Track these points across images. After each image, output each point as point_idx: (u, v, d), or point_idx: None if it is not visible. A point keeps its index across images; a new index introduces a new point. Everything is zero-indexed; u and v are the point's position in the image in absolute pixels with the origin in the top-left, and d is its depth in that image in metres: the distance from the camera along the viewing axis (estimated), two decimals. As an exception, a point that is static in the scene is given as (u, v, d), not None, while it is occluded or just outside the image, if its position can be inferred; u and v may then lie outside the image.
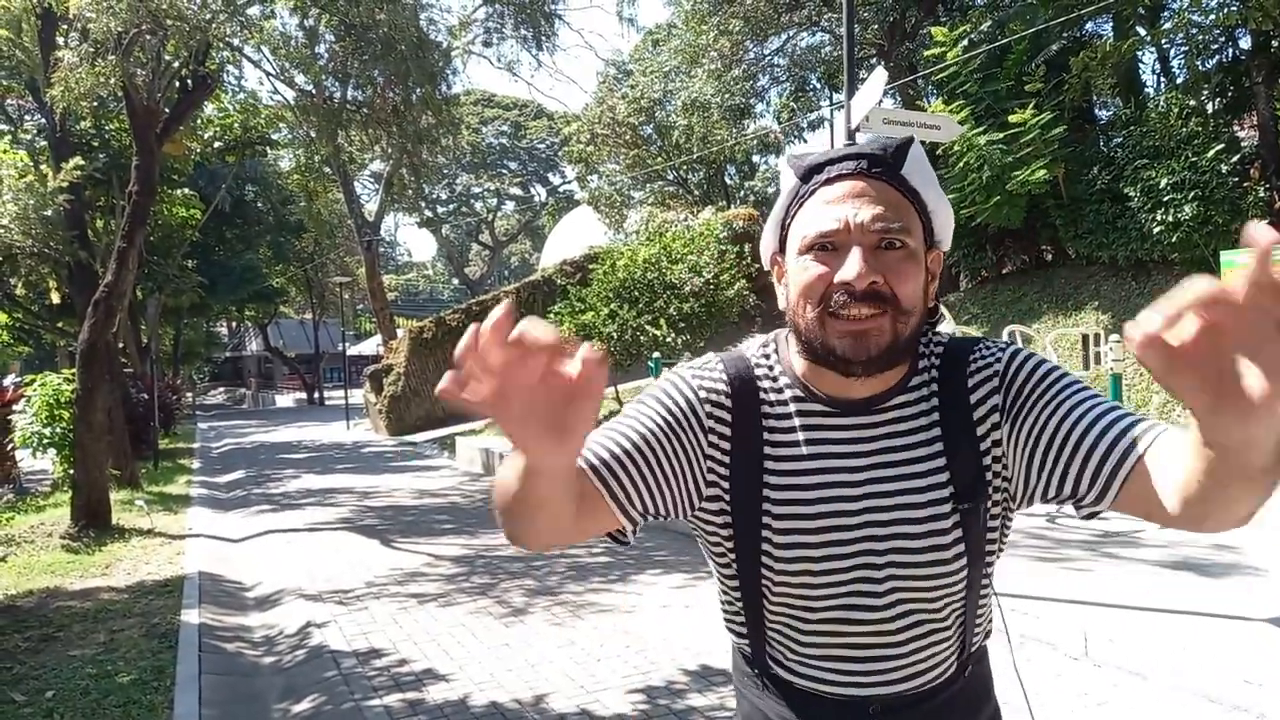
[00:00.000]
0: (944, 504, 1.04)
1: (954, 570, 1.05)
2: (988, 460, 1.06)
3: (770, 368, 1.11)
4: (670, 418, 1.06)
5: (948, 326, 7.40)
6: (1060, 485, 0.99)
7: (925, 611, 1.07)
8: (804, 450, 1.06)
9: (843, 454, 1.05)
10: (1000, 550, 1.13)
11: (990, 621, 1.17)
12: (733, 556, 1.10)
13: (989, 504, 1.06)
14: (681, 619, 4.77)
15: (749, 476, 1.06)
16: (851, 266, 0.97)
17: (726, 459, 1.07)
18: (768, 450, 1.06)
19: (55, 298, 14.88)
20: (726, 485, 1.07)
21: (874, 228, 0.98)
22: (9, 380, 7.05)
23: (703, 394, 1.08)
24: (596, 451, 1.02)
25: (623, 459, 1.02)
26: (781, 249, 1.08)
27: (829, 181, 1.02)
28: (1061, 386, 1.02)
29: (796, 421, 1.07)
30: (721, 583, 1.15)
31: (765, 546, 1.06)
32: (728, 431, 1.07)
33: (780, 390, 1.09)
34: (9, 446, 10.48)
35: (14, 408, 10.65)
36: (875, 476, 1.05)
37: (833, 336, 0.99)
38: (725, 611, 1.18)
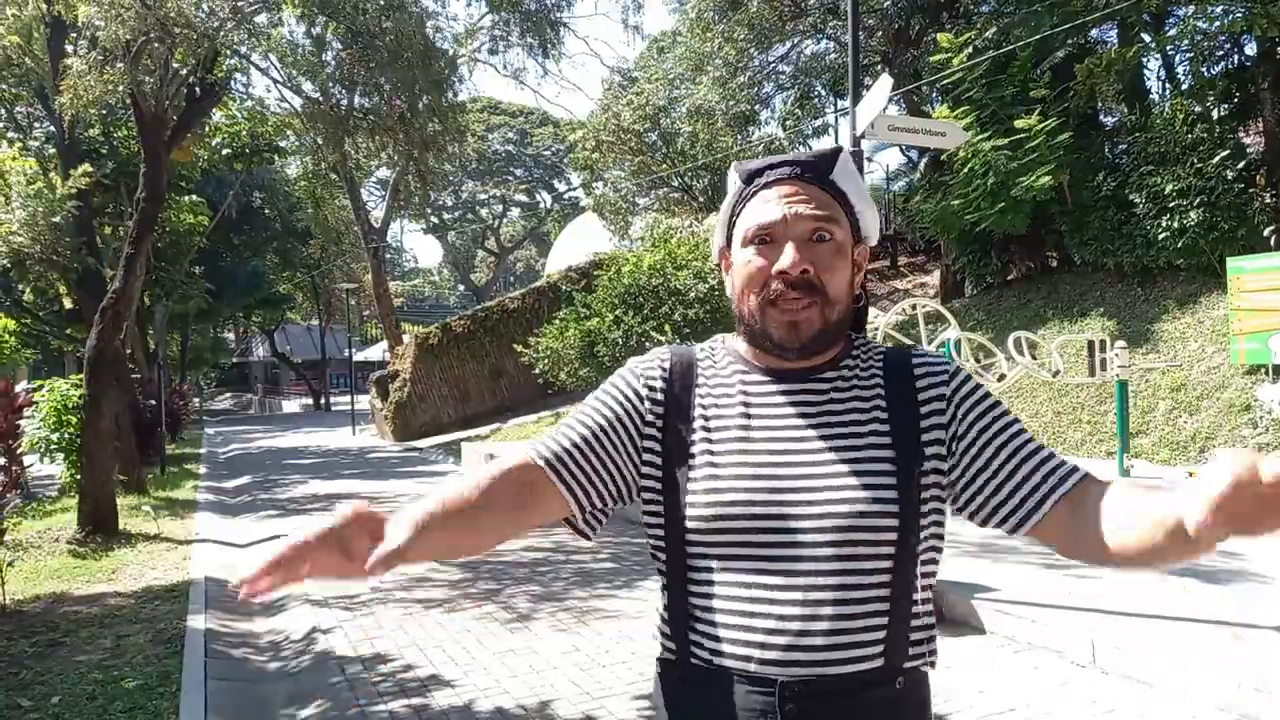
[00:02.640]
0: (884, 462, 1.11)
1: (886, 539, 1.09)
2: (927, 441, 1.15)
3: (713, 351, 1.26)
4: (616, 407, 1.21)
5: (953, 332, 7.39)
6: (986, 511, 1.14)
7: (849, 577, 1.08)
8: (738, 409, 1.17)
9: (781, 414, 1.16)
10: (936, 551, 1.15)
11: (932, 646, 1.15)
12: (661, 521, 1.17)
13: (924, 470, 1.13)
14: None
15: (680, 437, 1.18)
16: (786, 257, 1.12)
17: (660, 425, 1.19)
18: (699, 412, 1.18)
19: (68, 303, 14.97)
20: (659, 448, 1.18)
21: (806, 222, 1.14)
22: (19, 387, 7.07)
23: (644, 379, 1.23)
24: (550, 446, 1.18)
25: (573, 451, 1.18)
26: (728, 244, 1.23)
27: (768, 185, 1.18)
28: (998, 415, 1.16)
29: (736, 389, 1.19)
30: (656, 560, 1.21)
31: (685, 500, 1.13)
32: (661, 399, 1.20)
33: (721, 367, 1.23)
34: (17, 451, 10.51)
35: (23, 413, 10.69)
36: (811, 434, 1.14)
37: (770, 324, 1.15)
38: (660, 612, 1.21)
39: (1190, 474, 7.74)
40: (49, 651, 4.72)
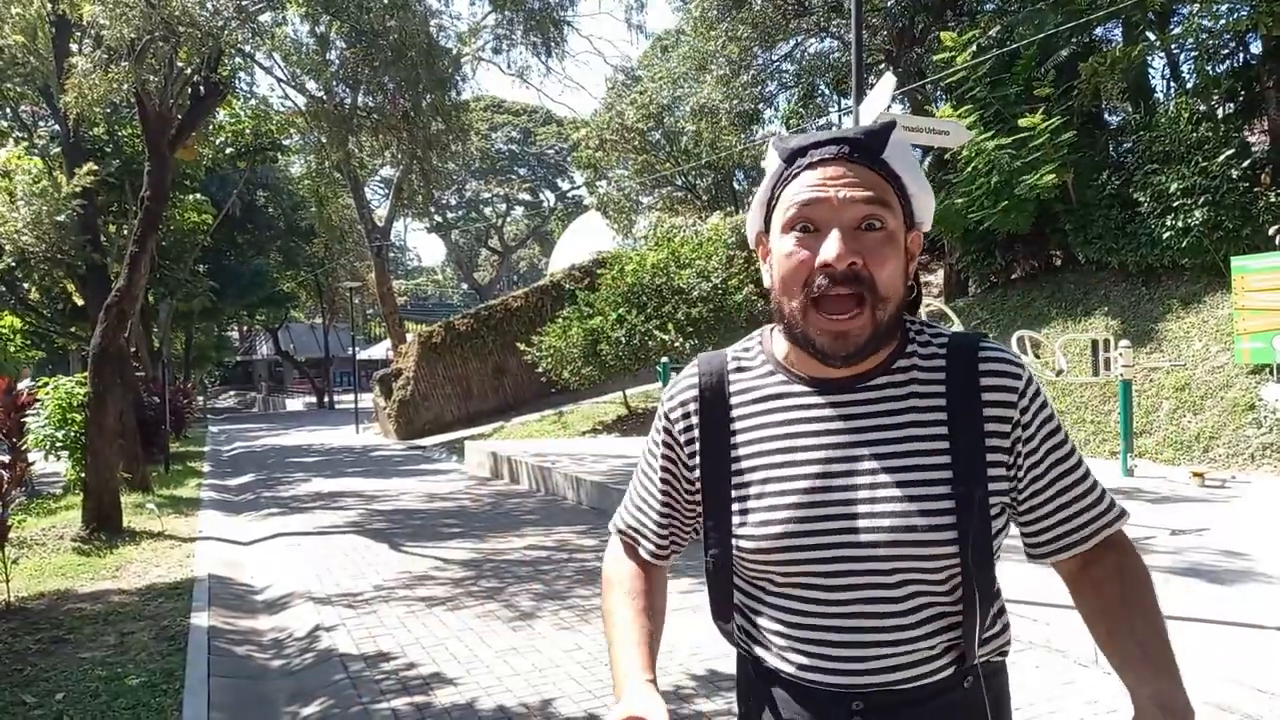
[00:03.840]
0: (942, 484, 1.04)
1: (947, 553, 1.03)
2: (992, 461, 1.06)
3: (750, 357, 1.17)
4: (664, 461, 1.20)
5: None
6: (1029, 535, 1.13)
7: (911, 599, 1.05)
8: (776, 430, 1.10)
9: (819, 431, 1.08)
10: (998, 554, 1.11)
11: (1007, 640, 1.14)
12: (716, 550, 1.14)
13: (987, 489, 1.06)
14: (689, 623, 4.76)
15: (716, 461, 1.13)
16: (831, 247, 1.00)
17: (698, 455, 1.15)
18: (737, 438, 1.12)
19: (79, 300, 15.01)
20: (698, 475, 1.15)
21: (854, 208, 1.02)
22: (23, 384, 7.10)
23: (675, 415, 1.18)
24: (648, 539, 1.24)
25: (661, 531, 1.23)
26: (766, 228, 1.12)
27: (812, 165, 1.05)
28: (1060, 443, 1.11)
29: (771, 404, 1.11)
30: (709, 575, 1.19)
31: (735, 524, 1.10)
32: (697, 433, 1.16)
33: (758, 377, 1.14)
34: (22, 449, 10.53)
35: (28, 411, 10.71)
36: (862, 453, 1.05)
37: (814, 331, 1.03)
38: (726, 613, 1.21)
39: (1194, 473, 7.73)
40: (53, 648, 4.74)
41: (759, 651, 1.14)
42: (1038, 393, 1.09)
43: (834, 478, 1.05)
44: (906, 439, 1.05)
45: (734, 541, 1.09)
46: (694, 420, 1.16)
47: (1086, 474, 1.11)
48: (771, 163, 1.11)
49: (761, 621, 1.12)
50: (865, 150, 1.05)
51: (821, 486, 1.05)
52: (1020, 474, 1.08)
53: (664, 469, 1.20)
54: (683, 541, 1.26)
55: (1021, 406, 1.07)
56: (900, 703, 1.06)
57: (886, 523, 1.03)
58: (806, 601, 1.07)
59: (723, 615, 1.18)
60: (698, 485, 1.16)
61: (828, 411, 1.08)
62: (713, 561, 1.14)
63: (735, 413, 1.13)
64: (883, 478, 1.04)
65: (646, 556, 1.25)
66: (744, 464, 1.10)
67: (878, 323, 1.02)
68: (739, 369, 1.16)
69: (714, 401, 1.15)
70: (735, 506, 1.10)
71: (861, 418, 1.07)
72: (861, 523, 1.03)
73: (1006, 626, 1.13)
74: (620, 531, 1.29)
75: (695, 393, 1.16)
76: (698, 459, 1.15)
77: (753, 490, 1.09)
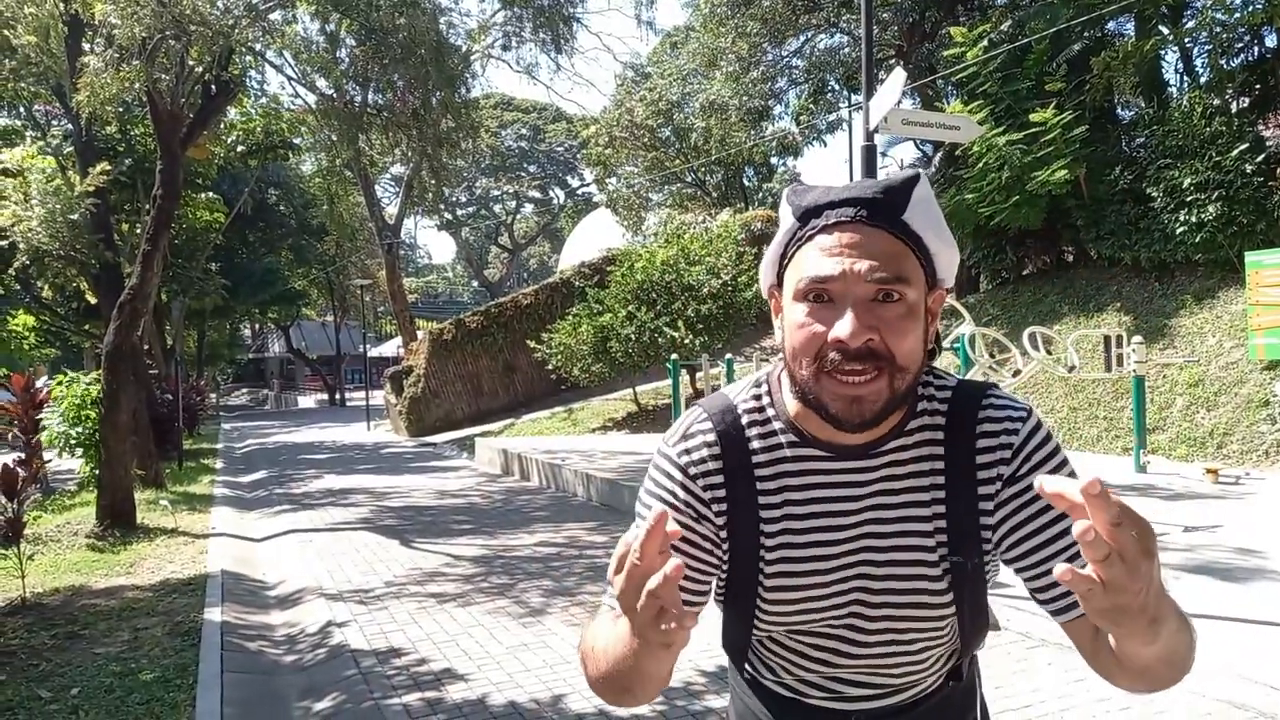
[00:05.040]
0: (935, 551, 1.05)
1: (944, 617, 1.08)
2: (983, 516, 1.04)
3: (761, 410, 1.09)
4: (687, 523, 1.05)
5: (967, 328, 7.35)
6: (1033, 584, 1.04)
7: (917, 644, 1.10)
8: (797, 496, 1.06)
9: (837, 498, 1.05)
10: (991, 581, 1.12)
11: (984, 636, 1.18)
12: (728, 594, 1.13)
13: (982, 558, 1.06)
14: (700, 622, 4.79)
15: (746, 530, 1.07)
16: (845, 325, 0.94)
17: (725, 517, 1.07)
18: (761, 500, 1.06)
19: (92, 298, 15.11)
20: (725, 538, 1.08)
21: (870, 281, 0.95)
22: (39, 382, 7.17)
23: (694, 471, 1.07)
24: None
25: (688, 606, 1.04)
26: (779, 283, 1.06)
27: (826, 229, 0.98)
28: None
29: (790, 467, 1.06)
30: (718, 605, 1.18)
31: (759, 589, 1.09)
32: (723, 494, 1.07)
33: (772, 435, 1.08)
34: (37, 446, 10.63)
35: (43, 408, 10.80)
36: (871, 519, 1.05)
37: (826, 397, 0.97)
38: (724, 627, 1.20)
39: (1208, 470, 7.68)
40: (68, 644, 4.78)
41: (758, 671, 1.19)
42: (1043, 440, 1.03)
43: (850, 542, 1.06)
44: (906, 504, 1.05)
45: (755, 622, 1.11)
46: (719, 480, 1.06)
47: None
48: (785, 219, 1.05)
49: (771, 663, 1.17)
50: (884, 211, 0.98)
51: (839, 553, 1.06)
52: (1027, 525, 1.02)
53: (686, 531, 1.06)
54: (691, 614, 1.10)
55: (1018, 460, 1.02)
56: (894, 712, 1.14)
57: (898, 586, 1.06)
58: (821, 650, 1.12)
59: (738, 655, 1.20)
60: (721, 545, 1.08)
61: (843, 478, 1.05)
62: (736, 617, 1.14)
63: (759, 472, 1.07)
64: (884, 544, 1.05)
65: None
66: (767, 528, 1.07)
67: (894, 390, 0.97)
68: (752, 424, 1.09)
69: (739, 462, 1.07)
70: (760, 591, 1.08)
71: (873, 483, 1.05)
72: (876, 585, 1.06)
73: (984, 628, 1.17)
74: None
75: (716, 451, 1.07)
76: (725, 517, 1.07)
77: (778, 555, 1.06)
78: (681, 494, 1.06)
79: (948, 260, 1.04)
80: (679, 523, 1.02)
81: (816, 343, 0.97)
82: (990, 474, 1.03)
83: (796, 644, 1.12)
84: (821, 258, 0.97)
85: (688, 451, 1.08)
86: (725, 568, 1.09)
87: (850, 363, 0.95)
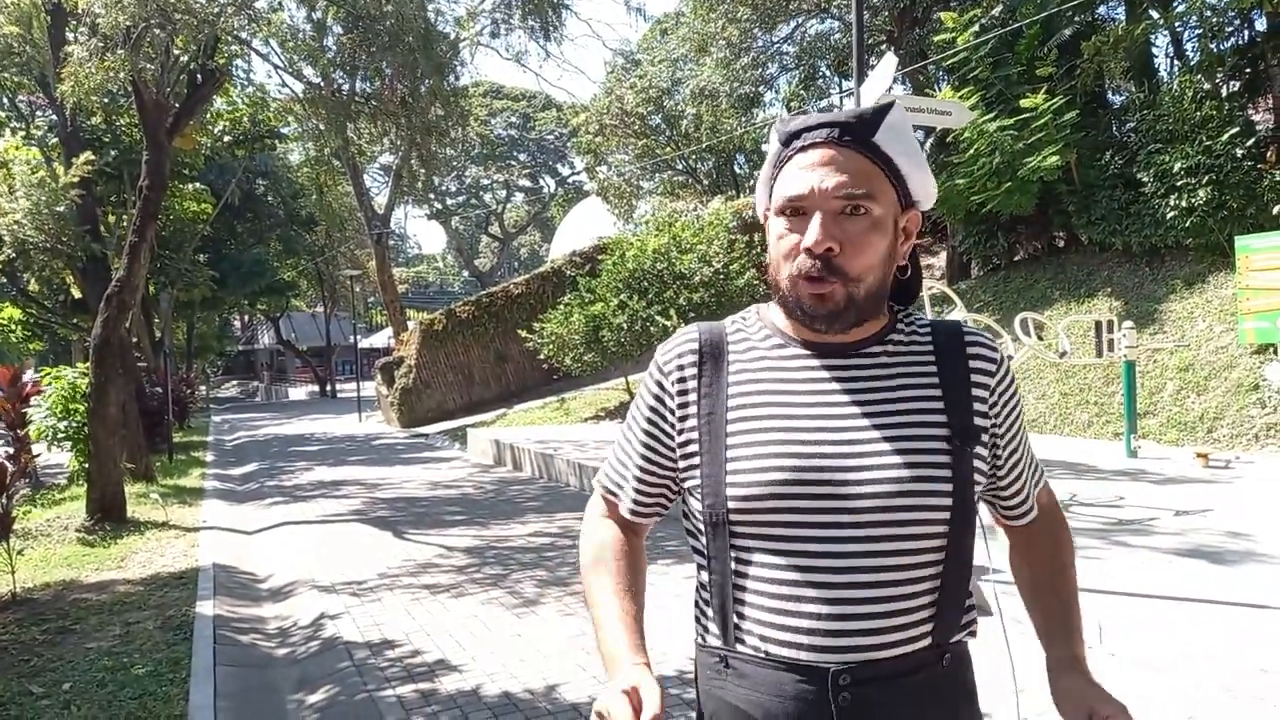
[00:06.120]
0: (939, 439, 1.09)
1: (939, 504, 1.06)
2: (978, 417, 1.13)
3: (746, 324, 1.22)
4: (652, 415, 1.22)
5: (959, 314, 7.36)
6: (1001, 499, 1.26)
7: (901, 557, 1.06)
8: (776, 387, 1.13)
9: (821, 389, 1.12)
10: (976, 526, 1.13)
11: (974, 619, 1.16)
12: (701, 506, 1.13)
13: (979, 449, 1.12)
14: (692, 609, 4.79)
15: (714, 415, 1.14)
16: (811, 233, 1.06)
17: (695, 410, 1.16)
18: (734, 389, 1.15)
19: (76, 293, 15.00)
20: (695, 435, 1.15)
21: (837, 195, 1.06)
22: (26, 375, 7.11)
23: (669, 369, 1.20)
24: (628, 494, 1.26)
25: (641, 489, 1.24)
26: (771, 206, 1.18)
27: (803, 149, 1.10)
28: (1019, 418, 1.22)
29: (770, 363, 1.16)
30: (696, 554, 1.18)
31: (729, 473, 1.10)
32: (692, 385, 1.17)
33: (756, 341, 1.19)
34: (25, 439, 10.57)
35: (30, 402, 10.74)
36: (856, 412, 1.10)
37: (800, 295, 1.10)
38: (698, 594, 1.20)
39: (1198, 454, 7.72)
40: (59, 639, 4.76)
41: (735, 628, 1.12)
42: (1009, 371, 1.19)
43: (830, 433, 1.09)
44: (903, 399, 1.11)
45: (727, 491, 1.09)
46: (689, 375, 1.18)
47: (1029, 452, 1.26)
48: (773, 144, 1.15)
49: (745, 592, 1.10)
50: (855, 133, 1.08)
51: (817, 440, 1.08)
52: (999, 440, 1.17)
53: (648, 424, 1.22)
54: (665, 502, 1.27)
55: (999, 376, 1.16)
56: (881, 676, 1.06)
57: (881, 475, 1.06)
58: (796, 555, 1.06)
59: (719, 565, 1.14)
60: (682, 441, 1.17)
61: (823, 373, 1.13)
62: (710, 513, 1.12)
63: (733, 368, 1.16)
64: (877, 434, 1.08)
65: (626, 515, 1.27)
66: (741, 415, 1.12)
67: (851, 295, 1.08)
68: (737, 331, 1.21)
69: (713, 357, 1.18)
70: (730, 454, 1.11)
71: (857, 380, 1.12)
72: (855, 476, 1.06)
73: (974, 608, 1.16)
74: (603, 487, 1.31)
75: (694, 347, 1.19)
76: (691, 411, 1.16)
77: (749, 441, 1.10)
78: (652, 389, 1.22)
79: (920, 182, 1.14)
80: (652, 421, 1.22)
81: (793, 251, 1.09)
82: (981, 381, 1.15)
83: (768, 548, 1.07)
84: (798, 174, 1.09)
85: (667, 351, 1.22)
86: (695, 459, 1.15)
87: (813, 268, 1.07)
